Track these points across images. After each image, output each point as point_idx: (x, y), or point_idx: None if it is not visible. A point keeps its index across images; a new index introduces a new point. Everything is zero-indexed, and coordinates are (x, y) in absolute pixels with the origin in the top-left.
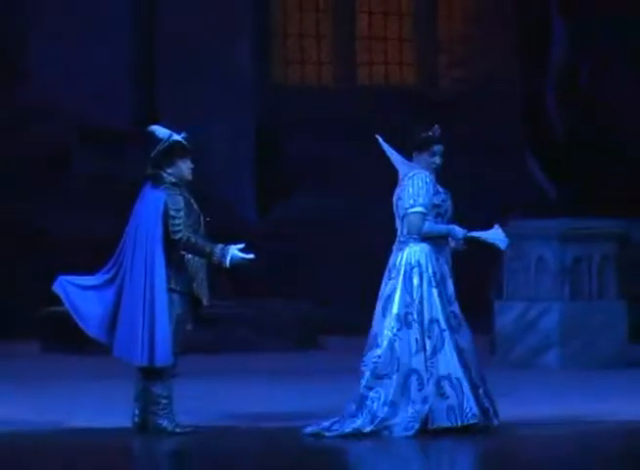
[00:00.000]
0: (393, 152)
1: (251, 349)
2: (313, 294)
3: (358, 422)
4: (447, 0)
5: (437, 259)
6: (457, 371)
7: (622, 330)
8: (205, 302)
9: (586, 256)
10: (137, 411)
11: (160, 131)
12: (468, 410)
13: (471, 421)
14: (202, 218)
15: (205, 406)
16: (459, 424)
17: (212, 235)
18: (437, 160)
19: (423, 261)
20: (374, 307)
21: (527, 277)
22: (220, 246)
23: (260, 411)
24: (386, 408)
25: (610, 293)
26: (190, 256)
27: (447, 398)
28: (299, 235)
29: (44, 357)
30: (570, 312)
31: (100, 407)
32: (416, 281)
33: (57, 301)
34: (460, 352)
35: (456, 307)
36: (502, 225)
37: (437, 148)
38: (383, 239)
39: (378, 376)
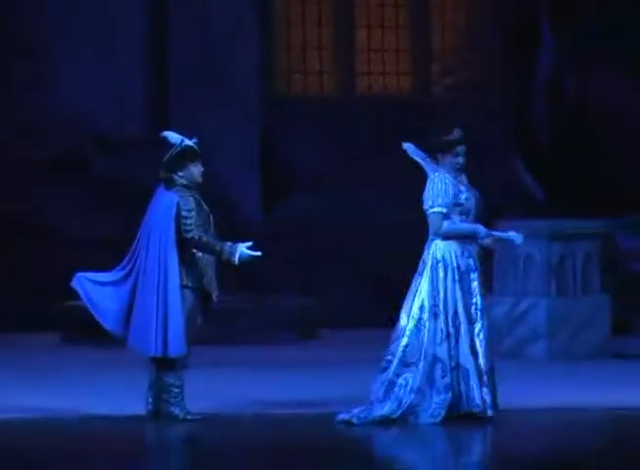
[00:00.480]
0: (421, 156)
1: (255, 341)
2: (313, 289)
3: (386, 408)
4: (439, 14)
5: (463, 253)
6: (467, 362)
7: (606, 324)
8: (214, 297)
9: (571, 254)
10: (150, 399)
11: (173, 137)
12: (472, 400)
13: (474, 410)
14: (211, 218)
15: (213, 394)
16: (461, 411)
17: (220, 233)
18: (460, 159)
19: (447, 256)
20: (366, 303)
21: (516, 274)
22: (229, 244)
23: (267, 399)
24: (412, 395)
25: (593, 289)
26: (200, 253)
27: (459, 385)
28: (300, 234)
29: (63, 349)
30: (556, 307)
31: (115, 396)
32: (441, 274)
33: (75, 296)
34: (473, 343)
35: (479, 299)
36: (494, 225)
37: (460, 148)
38: (374, 238)
39: (405, 364)
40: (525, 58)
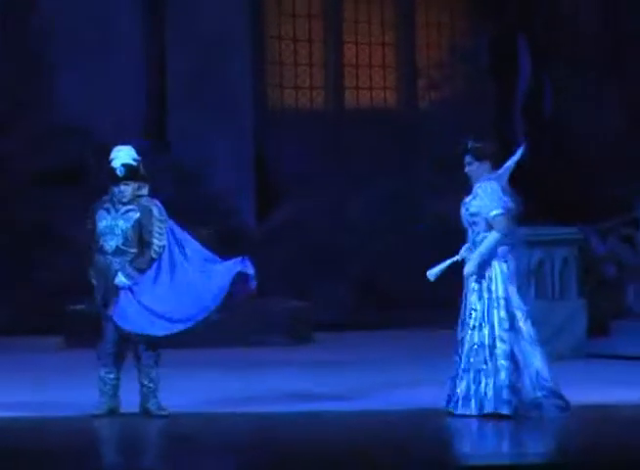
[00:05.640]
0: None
1: (248, 343)
2: (306, 292)
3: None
4: (424, 32)
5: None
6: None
7: (582, 326)
8: None
9: (549, 259)
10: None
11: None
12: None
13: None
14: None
15: (204, 392)
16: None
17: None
18: (467, 168)
19: None
20: (355, 306)
21: None
22: None
23: (261, 396)
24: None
25: (570, 292)
26: None
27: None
28: (292, 239)
29: (68, 351)
30: (535, 310)
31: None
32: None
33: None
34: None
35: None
36: None
37: (465, 158)
38: (362, 243)
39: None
40: (505, 74)
